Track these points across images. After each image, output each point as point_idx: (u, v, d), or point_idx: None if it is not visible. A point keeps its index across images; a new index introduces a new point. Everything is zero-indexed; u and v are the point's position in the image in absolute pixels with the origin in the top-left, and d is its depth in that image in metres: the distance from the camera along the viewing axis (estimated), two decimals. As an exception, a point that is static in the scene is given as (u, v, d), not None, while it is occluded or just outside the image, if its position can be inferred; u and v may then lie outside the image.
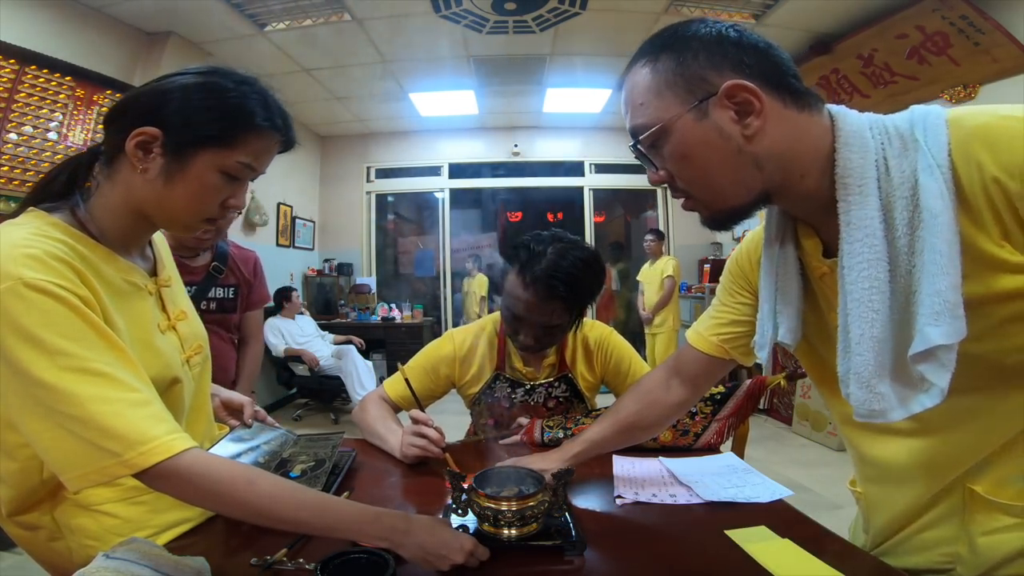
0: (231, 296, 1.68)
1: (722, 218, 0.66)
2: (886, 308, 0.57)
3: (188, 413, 0.87)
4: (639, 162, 0.68)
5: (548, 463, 0.96)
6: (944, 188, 0.53)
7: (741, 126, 0.59)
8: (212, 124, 0.69)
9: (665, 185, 0.67)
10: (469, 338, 1.40)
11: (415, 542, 0.69)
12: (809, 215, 0.67)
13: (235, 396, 1.07)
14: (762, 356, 0.78)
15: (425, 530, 0.71)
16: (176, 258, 1.05)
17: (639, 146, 0.65)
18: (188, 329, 0.88)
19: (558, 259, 1.17)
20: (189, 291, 1.31)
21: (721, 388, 1.23)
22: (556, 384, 1.37)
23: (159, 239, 0.90)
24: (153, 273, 0.84)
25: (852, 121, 0.60)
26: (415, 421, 1.15)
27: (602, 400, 1.43)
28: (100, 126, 0.77)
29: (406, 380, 1.21)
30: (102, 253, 0.72)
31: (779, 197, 0.65)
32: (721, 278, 0.91)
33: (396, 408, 1.34)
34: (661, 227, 5.71)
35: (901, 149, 0.57)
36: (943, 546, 0.69)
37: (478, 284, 5.88)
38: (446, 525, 0.76)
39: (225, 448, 0.95)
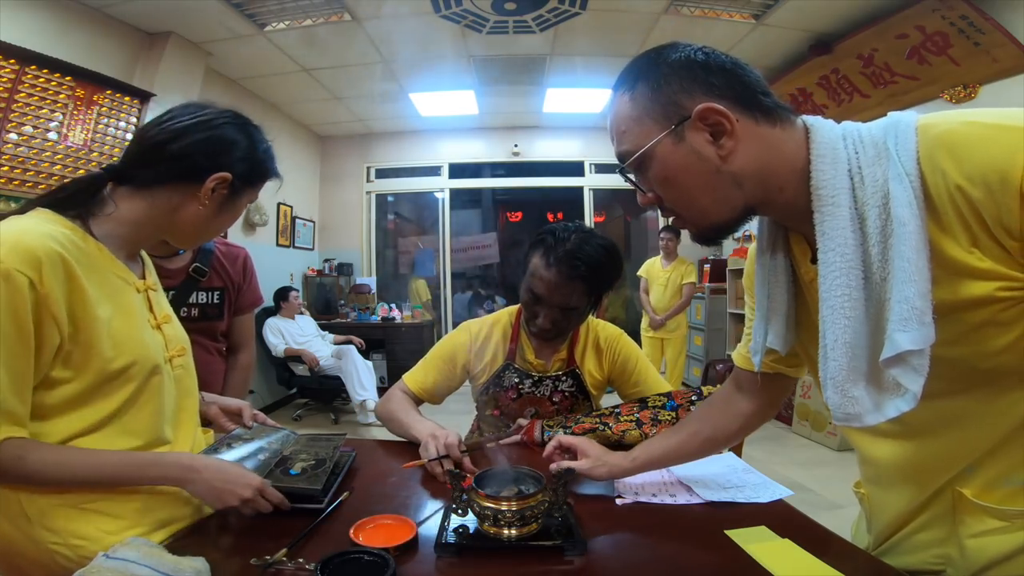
0: (216, 301, 1.47)
1: (709, 234, 0.69)
2: (859, 315, 0.59)
3: (173, 415, 0.89)
4: (629, 186, 0.71)
5: (615, 463, 0.99)
6: (912, 196, 0.54)
7: (716, 147, 0.62)
8: (262, 170, 0.92)
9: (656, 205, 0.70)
10: (485, 328, 1.44)
11: (203, 478, 0.79)
12: (795, 224, 0.69)
13: (232, 401, 1.09)
14: (756, 361, 0.79)
15: (213, 470, 0.81)
16: (152, 260, 1.06)
17: (626, 172, 0.69)
18: (172, 332, 0.93)
19: (581, 243, 1.23)
20: (167, 296, 1.28)
21: (719, 387, 1.23)
22: (563, 378, 1.39)
23: (144, 255, 0.95)
24: (142, 278, 0.90)
25: (825, 133, 0.61)
26: (454, 455, 1.09)
27: (607, 400, 1.43)
28: (125, 152, 0.86)
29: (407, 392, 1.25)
30: (100, 252, 0.79)
31: (763, 209, 0.68)
32: (745, 296, 0.92)
33: (418, 400, 1.38)
34: (661, 227, 5.65)
35: (875, 157, 0.58)
36: (935, 547, 0.70)
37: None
38: (237, 466, 0.85)
39: (231, 454, 0.95)
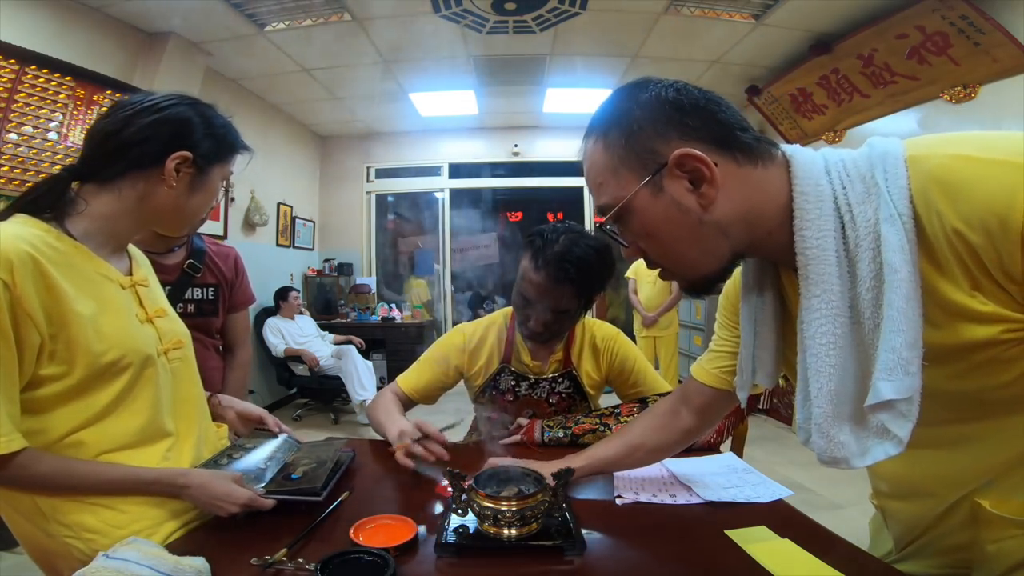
0: (211, 297, 1.52)
1: (699, 286, 0.66)
2: (844, 362, 0.57)
3: (173, 406, 0.90)
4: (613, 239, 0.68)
5: (547, 472, 0.96)
6: (904, 241, 0.51)
7: (697, 195, 0.59)
8: (227, 145, 0.91)
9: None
10: (479, 330, 1.43)
11: (191, 495, 0.83)
12: (786, 260, 0.65)
13: (252, 408, 1.10)
14: (742, 397, 0.78)
15: (200, 487, 0.83)
16: (148, 256, 1.12)
17: (606, 226, 0.66)
18: (167, 326, 0.93)
19: (571, 245, 1.21)
20: (165, 290, 1.32)
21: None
22: (560, 380, 1.39)
23: (132, 249, 0.95)
24: (128, 274, 0.90)
25: (807, 167, 0.58)
26: (425, 435, 1.12)
27: (605, 400, 1.43)
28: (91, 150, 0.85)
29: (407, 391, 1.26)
30: (78, 250, 0.79)
31: (752, 253, 0.65)
32: (717, 313, 0.92)
33: (409, 401, 1.38)
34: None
35: (864, 194, 0.55)
36: (958, 552, 0.69)
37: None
38: (225, 480, 0.86)
39: (234, 466, 0.94)
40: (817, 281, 0.57)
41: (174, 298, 1.42)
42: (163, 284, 1.34)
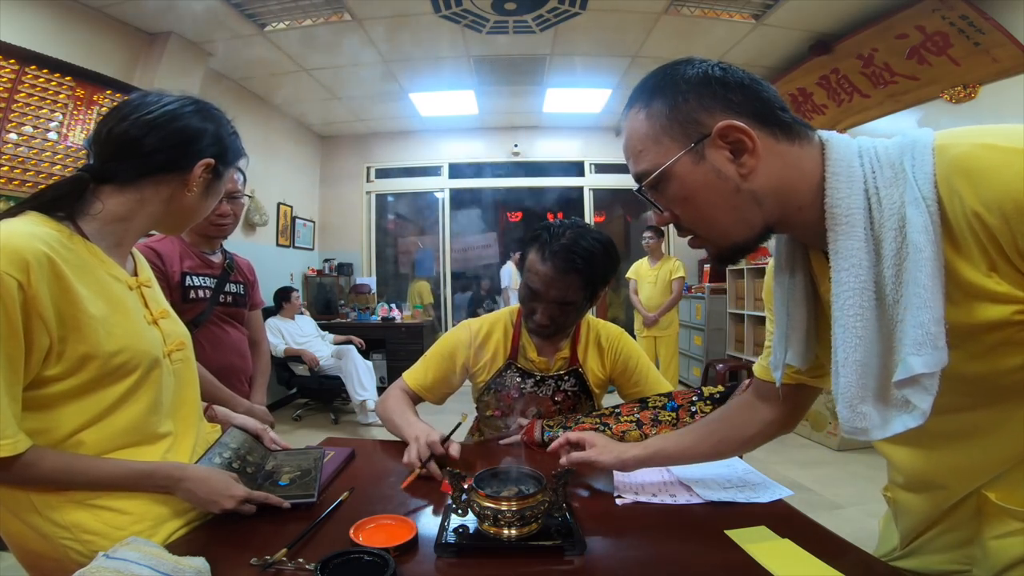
0: (242, 292, 1.82)
1: (729, 255, 0.68)
2: (870, 335, 0.59)
3: (173, 408, 0.91)
4: (646, 205, 0.71)
5: (623, 448, 1.00)
6: (928, 222, 0.54)
7: (736, 165, 0.62)
8: (237, 150, 0.95)
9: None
10: (485, 326, 1.44)
11: (187, 488, 0.83)
12: (814, 242, 0.68)
13: (249, 423, 1.10)
14: (776, 376, 0.78)
15: (197, 480, 0.84)
16: (198, 253, 1.57)
17: (643, 192, 0.68)
18: (170, 327, 0.94)
19: (577, 238, 1.24)
20: (212, 281, 1.67)
21: (721, 388, 1.23)
22: (566, 378, 1.39)
23: (134, 250, 0.96)
24: (134, 274, 0.91)
25: (841, 150, 0.61)
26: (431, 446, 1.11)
27: (607, 400, 1.43)
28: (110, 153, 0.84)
29: (415, 390, 1.26)
30: (90, 251, 0.79)
31: (782, 228, 0.67)
32: (765, 310, 0.91)
33: (416, 398, 1.38)
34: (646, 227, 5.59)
35: (892, 178, 0.58)
36: (960, 548, 0.70)
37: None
38: (222, 475, 0.88)
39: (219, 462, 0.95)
40: (847, 255, 0.59)
41: (220, 288, 1.69)
42: (212, 276, 1.68)
